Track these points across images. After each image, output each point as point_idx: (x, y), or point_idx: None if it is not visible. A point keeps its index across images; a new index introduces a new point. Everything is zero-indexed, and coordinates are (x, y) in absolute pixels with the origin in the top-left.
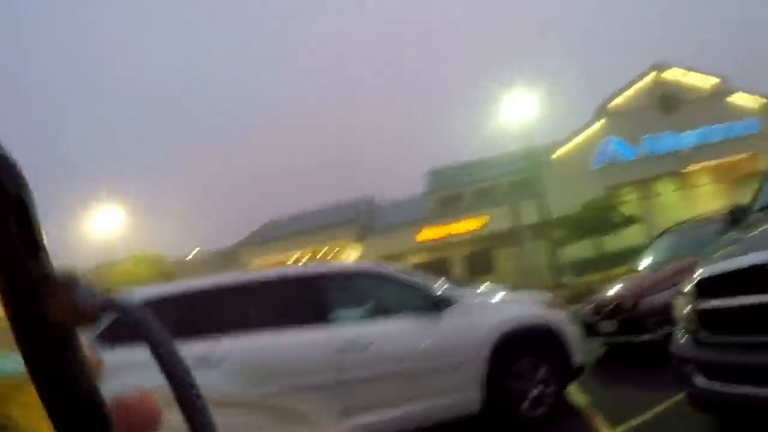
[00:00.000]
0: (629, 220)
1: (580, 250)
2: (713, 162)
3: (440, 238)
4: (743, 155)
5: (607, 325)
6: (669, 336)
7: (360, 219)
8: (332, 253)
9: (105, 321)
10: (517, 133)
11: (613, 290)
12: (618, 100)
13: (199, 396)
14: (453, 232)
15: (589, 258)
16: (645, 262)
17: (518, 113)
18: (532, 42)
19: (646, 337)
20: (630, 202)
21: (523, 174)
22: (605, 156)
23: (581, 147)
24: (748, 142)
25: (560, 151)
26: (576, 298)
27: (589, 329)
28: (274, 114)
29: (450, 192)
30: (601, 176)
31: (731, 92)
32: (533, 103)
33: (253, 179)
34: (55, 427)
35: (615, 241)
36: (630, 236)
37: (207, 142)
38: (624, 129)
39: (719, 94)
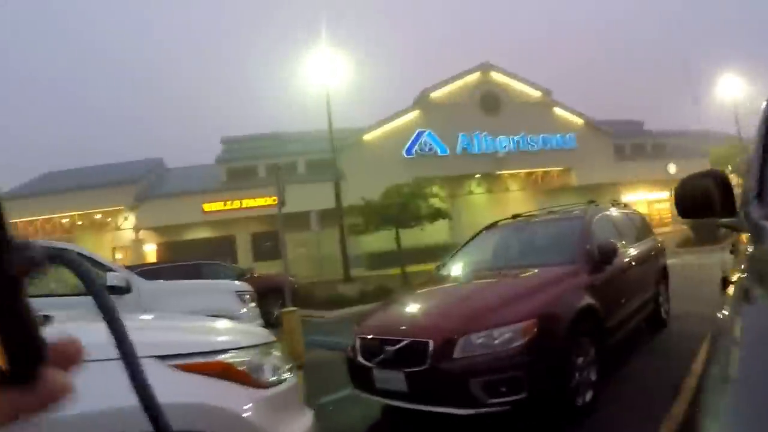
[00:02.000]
0: (437, 214)
1: (378, 242)
2: (527, 170)
3: (228, 210)
4: (557, 168)
5: (392, 378)
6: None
7: (143, 181)
8: (106, 217)
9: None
10: (321, 107)
11: (406, 310)
12: (439, 92)
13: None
14: (242, 206)
15: (388, 251)
16: (457, 269)
17: (324, 83)
18: (358, 11)
19: (470, 410)
20: (437, 197)
21: (323, 154)
22: (419, 147)
23: (394, 134)
24: (564, 156)
25: (370, 135)
26: (365, 295)
27: (359, 376)
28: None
29: (243, 164)
30: (411, 167)
31: (554, 106)
32: (342, 75)
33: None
34: (6, 355)
35: (417, 236)
36: (434, 233)
37: None
38: (441, 122)
39: (542, 105)
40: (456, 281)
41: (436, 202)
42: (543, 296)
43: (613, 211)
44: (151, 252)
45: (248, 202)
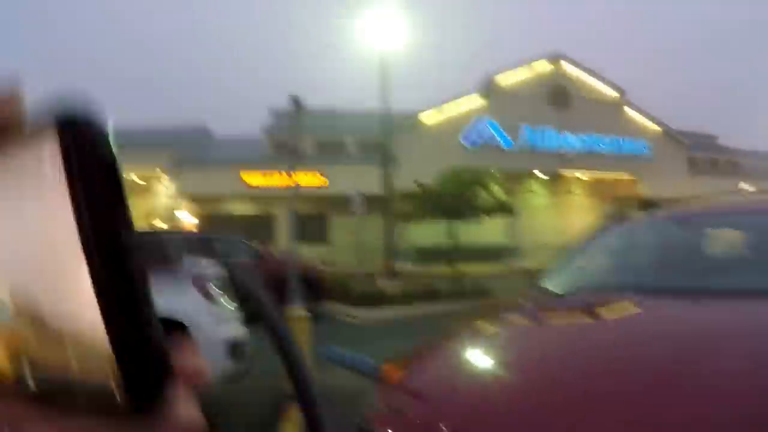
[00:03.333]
0: (500, 208)
1: (427, 234)
2: (594, 174)
3: (270, 186)
4: (626, 176)
5: None
6: None
7: (181, 147)
8: (140, 181)
9: None
10: (376, 84)
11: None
12: (505, 79)
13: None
14: (285, 184)
15: (436, 246)
16: (602, 284)
17: (380, 54)
18: None
19: None
20: (501, 188)
21: (376, 134)
22: (480, 136)
23: (453, 119)
24: (635, 163)
25: (428, 117)
26: (409, 296)
27: None
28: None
29: (291, 138)
30: (469, 157)
31: (627, 107)
32: (399, 51)
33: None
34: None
35: (470, 232)
36: (489, 231)
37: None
38: (505, 111)
39: (615, 105)
40: (620, 311)
41: (499, 194)
42: None
43: None
44: (188, 224)
45: (291, 180)
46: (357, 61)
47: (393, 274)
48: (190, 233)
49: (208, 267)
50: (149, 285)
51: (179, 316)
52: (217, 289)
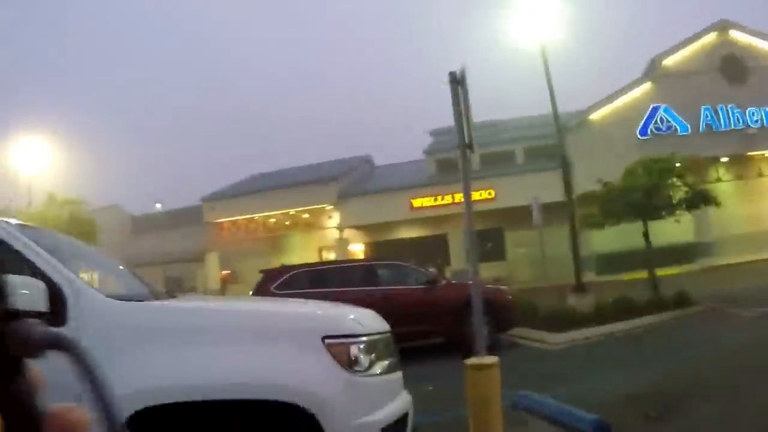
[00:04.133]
0: (703, 199)
1: (610, 240)
2: None
3: (438, 206)
4: None
5: None
6: None
7: (348, 178)
8: (312, 216)
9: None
10: (536, 90)
11: None
12: (671, 60)
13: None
14: (454, 201)
15: (625, 251)
16: None
17: (539, 55)
18: None
19: None
20: (693, 182)
21: (542, 140)
22: (656, 125)
23: (623, 111)
24: None
25: (596, 114)
26: (603, 311)
27: None
28: (257, 52)
29: (454, 155)
30: (646, 149)
31: None
32: (558, 49)
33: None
34: None
35: (657, 233)
36: (674, 229)
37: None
38: (678, 95)
39: None
40: None
41: (698, 183)
42: None
43: None
44: (358, 252)
45: (460, 197)
46: (513, 69)
47: (582, 288)
48: (353, 262)
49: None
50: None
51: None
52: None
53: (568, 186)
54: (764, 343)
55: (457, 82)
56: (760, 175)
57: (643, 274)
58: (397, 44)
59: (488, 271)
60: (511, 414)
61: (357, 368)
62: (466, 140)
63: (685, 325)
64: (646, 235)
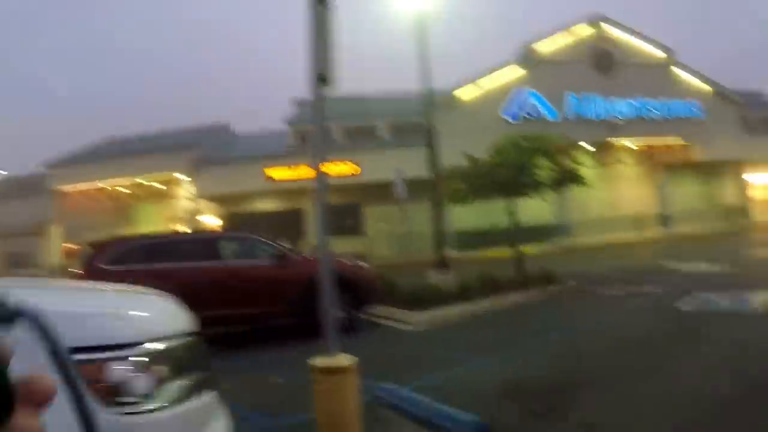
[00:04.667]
0: (572, 179)
1: (470, 217)
2: (645, 140)
3: (297, 179)
4: (679, 140)
5: None
6: None
7: (203, 147)
8: (161, 186)
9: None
10: (405, 65)
11: None
12: (544, 46)
13: (84, 401)
14: (312, 176)
15: (484, 229)
16: None
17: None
18: None
19: None
20: (563, 161)
21: (408, 116)
22: (522, 109)
23: (492, 93)
24: (687, 127)
25: (464, 93)
26: (468, 289)
27: None
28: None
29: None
30: (513, 132)
31: (676, 67)
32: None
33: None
34: None
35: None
36: (535, 208)
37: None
38: (547, 81)
39: (662, 66)
40: None
41: (573, 163)
42: None
43: None
44: (213, 225)
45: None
46: (384, 43)
47: (444, 264)
48: (196, 234)
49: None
50: None
51: None
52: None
53: (433, 158)
54: (634, 322)
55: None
56: (620, 162)
57: (503, 252)
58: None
59: (346, 246)
60: (369, 414)
61: (127, 400)
62: (322, 71)
63: (553, 304)
64: (512, 212)
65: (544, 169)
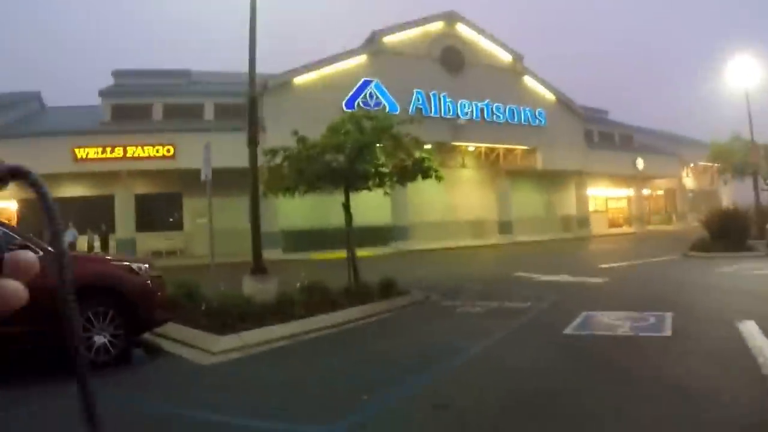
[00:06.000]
0: (422, 171)
1: (298, 214)
2: (488, 144)
3: (106, 159)
4: (522, 147)
5: None
6: None
7: (7, 116)
8: None
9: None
10: (240, 44)
11: None
12: (393, 38)
13: (66, 257)
14: (126, 156)
15: (313, 228)
16: None
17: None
18: None
19: None
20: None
21: (240, 98)
22: (362, 99)
23: (333, 80)
24: (531, 134)
25: (302, 78)
26: (288, 303)
27: None
28: None
29: (134, 101)
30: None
31: (524, 74)
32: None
33: None
34: None
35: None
36: (369, 207)
37: None
38: (393, 74)
39: (511, 71)
40: None
41: (418, 153)
42: None
43: None
44: (9, 211)
45: (135, 151)
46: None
47: (261, 269)
48: None
49: None
50: None
51: None
52: None
53: (252, 141)
54: (520, 355)
55: None
56: (463, 166)
57: (335, 254)
58: None
59: (162, 242)
60: None
61: None
62: None
63: (399, 324)
64: (347, 207)
65: (388, 156)
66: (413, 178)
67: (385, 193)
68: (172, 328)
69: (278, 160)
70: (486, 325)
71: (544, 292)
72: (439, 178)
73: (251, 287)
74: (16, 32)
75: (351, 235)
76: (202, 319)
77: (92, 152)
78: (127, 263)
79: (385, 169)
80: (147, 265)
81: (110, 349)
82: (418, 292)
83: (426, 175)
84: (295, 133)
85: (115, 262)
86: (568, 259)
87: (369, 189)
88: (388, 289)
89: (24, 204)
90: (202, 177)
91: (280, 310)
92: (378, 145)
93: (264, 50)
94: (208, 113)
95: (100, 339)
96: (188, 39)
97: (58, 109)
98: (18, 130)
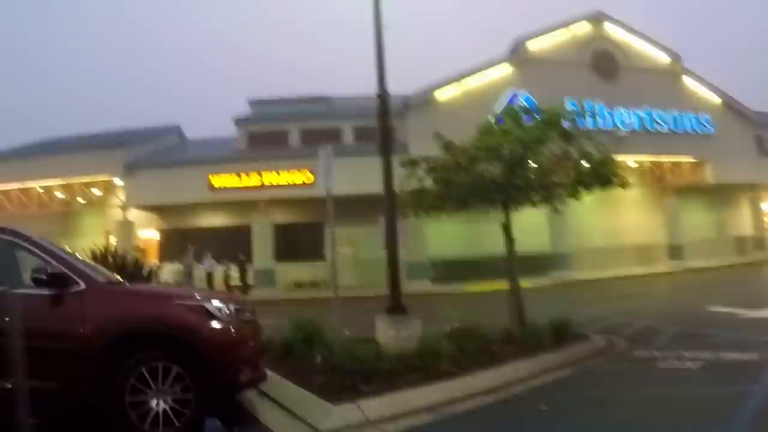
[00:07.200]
0: (604, 179)
1: (448, 241)
2: (652, 157)
3: (243, 188)
4: (689, 158)
5: None
6: None
7: (140, 148)
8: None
9: None
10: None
11: None
12: (538, 44)
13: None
14: (264, 184)
15: (464, 257)
16: None
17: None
18: None
19: None
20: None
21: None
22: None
23: (477, 93)
24: (697, 144)
25: (445, 93)
26: (433, 348)
27: None
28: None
29: (271, 127)
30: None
31: (684, 76)
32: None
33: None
34: None
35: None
36: (523, 233)
37: None
38: (542, 83)
39: (669, 74)
40: None
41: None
42: None
43: None
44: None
45: (272, 178)
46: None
47: (400, 309)
48: None
49: None
50: None
51: None
52: None
53: (387, 165)
54: None
55: None
56: (624, 185)
57: (488, 286)
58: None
59: (305, 273)
60: None
61: None
62: None
63: (590, 388)
64: (506, 228)
65: (558, 162)
66: (590, 187)
67: (556, 210)
68: (277, 383)
69: (421, 172)
70: (713, 392)
71: (764, 335)
72: (623, 185)
73: (385, 332)
74: (164, 68)
75: (513, 264)
76: (318, 375)
77: (228, 180)
78: (200, 303)
79: (555, 178)
80: (233, 306)
81: (173, 419)
82: (598, 337)
83: (607, 183)
84: (439, 137)
85: (181, 301)
86: (762, 288)
87: (533, 204)
88: (560, 333)
89: (164, 234)
90: (323, 189)
91: (421, 365)
92: (544, 146)
93: (404, 72)
94: (347, 137)
95: (159, 405)
96: (330, 68)
97: (197, 140)
98: (156, 161)
